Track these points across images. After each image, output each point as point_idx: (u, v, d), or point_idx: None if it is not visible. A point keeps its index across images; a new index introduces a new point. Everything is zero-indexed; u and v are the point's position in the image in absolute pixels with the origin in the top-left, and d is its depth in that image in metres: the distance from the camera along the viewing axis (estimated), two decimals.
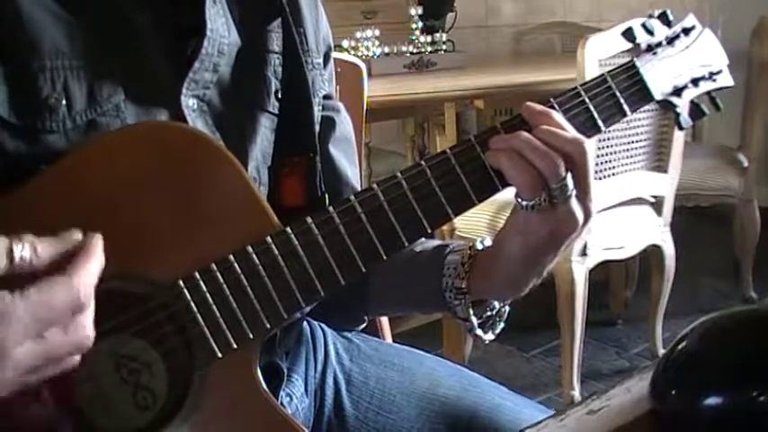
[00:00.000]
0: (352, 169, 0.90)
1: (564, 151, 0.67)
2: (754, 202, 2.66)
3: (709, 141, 3.03)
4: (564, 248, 0.71)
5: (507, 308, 0.79)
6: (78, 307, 0.54)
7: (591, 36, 1.85)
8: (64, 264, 0.54)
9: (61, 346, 0.54)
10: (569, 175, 0.67)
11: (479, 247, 0.77)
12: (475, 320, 0.76)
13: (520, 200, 0.68)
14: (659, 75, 0.75)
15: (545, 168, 0.66)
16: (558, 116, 0.69)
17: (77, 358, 0.56)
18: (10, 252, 0.52)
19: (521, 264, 0.72)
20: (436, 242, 0.83)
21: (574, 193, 0.67)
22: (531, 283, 0.74)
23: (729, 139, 2.79)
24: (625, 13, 3.49)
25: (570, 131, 0.68)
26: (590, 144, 0.68)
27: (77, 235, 0.57)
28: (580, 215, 0.68)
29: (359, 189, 0.85)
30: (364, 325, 0.92)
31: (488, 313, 0.78)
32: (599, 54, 1.82)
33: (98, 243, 0.57)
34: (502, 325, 0.79)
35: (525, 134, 0.67)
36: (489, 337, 0.78)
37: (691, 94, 0.78)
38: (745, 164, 2.61)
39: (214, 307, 0.62)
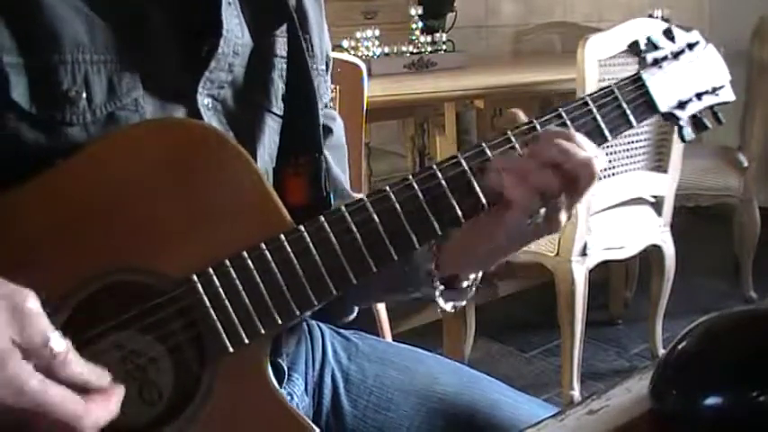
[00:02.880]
0: (343, 175, 0.91)
1: (574, 173, 0.66)
2: (754, 202, 2.66)
3: (710, 141, 3.03)
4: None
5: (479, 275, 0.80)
6: None
7: (591, 36, 1.84)
8: (83, 392, 0.53)
9: None
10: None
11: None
12: (441, 301, 0.77)
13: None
14: (665, 88, 0.77)
15: (547, 191, 0.66)
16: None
17: None
18: (47, 338, 0.50)
19: (486, 255, 0.73)
20: None
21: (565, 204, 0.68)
22: (497, 263, 0.75)
23: (729, 139, 2.79)
24: (625, 13, 3.49)
25: (587, 149, 0.67)
26: (600, 161, 0.68)
27: (105, 377, 0.55)
28: (564, 221, 0.69)
29: (350, 194, 0.88)
30: (347, 320, 0.92)
31: (463, 284, 0.78)
32: (599, 54, 1.82)
33: (120, 395, 0.56)
34: (472, 292, 0.80)
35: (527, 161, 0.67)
36: (460, 303, 0.79)
37: (694, 107, 0.80)
38: (745, 164, 2.61)
39: (227, 302, 0.62)
